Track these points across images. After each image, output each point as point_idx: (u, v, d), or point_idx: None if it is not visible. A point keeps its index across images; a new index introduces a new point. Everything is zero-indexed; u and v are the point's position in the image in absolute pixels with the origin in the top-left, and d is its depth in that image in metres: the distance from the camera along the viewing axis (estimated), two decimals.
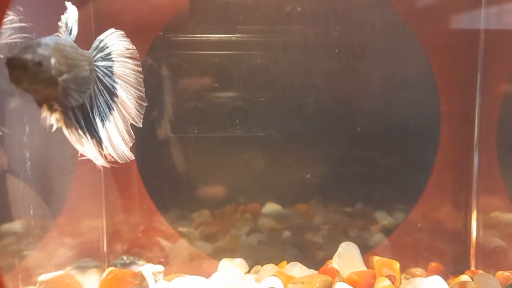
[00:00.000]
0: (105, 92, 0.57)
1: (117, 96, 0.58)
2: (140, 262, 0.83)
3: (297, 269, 0.83)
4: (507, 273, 0.81)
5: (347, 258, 0.83)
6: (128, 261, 0.83)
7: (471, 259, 0.91)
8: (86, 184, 0.89)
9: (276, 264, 0.86)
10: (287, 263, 0.85)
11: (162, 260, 0.90)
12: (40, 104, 0.51)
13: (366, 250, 0.90)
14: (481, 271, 0.86)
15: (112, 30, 0.59)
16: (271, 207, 0.94)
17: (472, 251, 0.91)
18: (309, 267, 0.85)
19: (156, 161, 0.91)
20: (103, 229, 0.91)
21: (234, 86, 0.90)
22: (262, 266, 0.86)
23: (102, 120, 0.56)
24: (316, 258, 0.91)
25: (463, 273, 0.84)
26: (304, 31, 0.90)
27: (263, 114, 0.91)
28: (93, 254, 0.88)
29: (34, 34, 0.60)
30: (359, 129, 0.91)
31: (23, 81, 0.46)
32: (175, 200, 0.92)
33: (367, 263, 0.84)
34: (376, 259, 0.82)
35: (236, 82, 0.90)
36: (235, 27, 0.89)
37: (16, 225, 0.78)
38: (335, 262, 0.82)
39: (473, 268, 0.90)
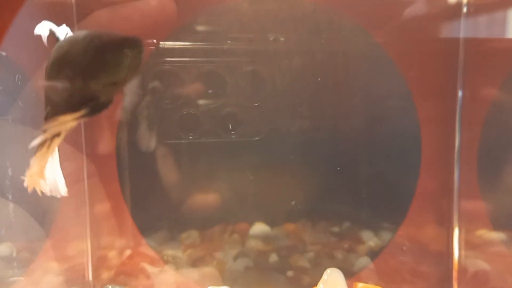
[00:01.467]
0: None
1: None
2: None
3: None
4: None
5: (331, 285, 0.83)
6: None
7: (453, 282, 0.92)
8: (71, 208, 0.89)
9: None
10: None
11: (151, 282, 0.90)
12: (82, 103, 0.47)
13: (351, 275, 0.91)
14: None
15: None
16: (259, 227, 0.94)
17: (455, 274, 0.92)
18: None
19: (138, 182, 0.91)
20: (89, 255, 0.91)
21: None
22: None
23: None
24: (301, 284, 0.91)
25: None
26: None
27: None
28: (79, 282, 0.88)
29: (17, 76, 0.60)
30: (338, 168, 0.93)
31: (133, 66, 0.44)
32: (160, 222, 0.92)
33: None
34: (359, 286, 0.83)
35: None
36: (222, 53, 0.90)
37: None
38: None
39: None
